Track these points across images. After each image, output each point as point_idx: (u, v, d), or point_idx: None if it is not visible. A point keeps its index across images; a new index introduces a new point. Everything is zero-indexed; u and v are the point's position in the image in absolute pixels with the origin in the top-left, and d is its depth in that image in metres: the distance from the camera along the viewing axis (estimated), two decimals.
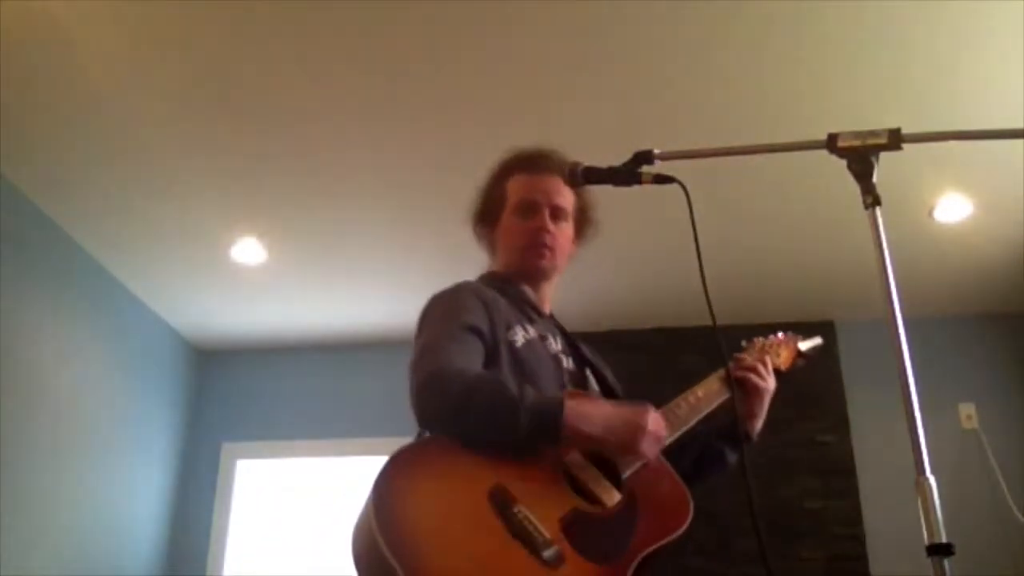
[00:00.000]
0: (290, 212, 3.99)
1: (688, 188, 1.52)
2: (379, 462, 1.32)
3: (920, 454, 1.19)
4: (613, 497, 1.44)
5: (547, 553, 1.27)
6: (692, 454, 1.72)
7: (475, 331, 1.57)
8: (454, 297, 1.67)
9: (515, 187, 1.85)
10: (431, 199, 3.75)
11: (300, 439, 4.87)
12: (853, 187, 1.37)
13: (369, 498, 1.26)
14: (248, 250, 4.22)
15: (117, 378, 4.45)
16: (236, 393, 5.07)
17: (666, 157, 1.57)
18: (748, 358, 1.83)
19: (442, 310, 1.64)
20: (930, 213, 3.85)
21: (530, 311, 1.79)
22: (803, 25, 2.97)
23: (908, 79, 3.14)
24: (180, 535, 4.73)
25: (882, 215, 1.34)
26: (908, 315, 1.29)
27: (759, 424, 1.79)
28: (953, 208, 3.82)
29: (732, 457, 1.77)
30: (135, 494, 4.51)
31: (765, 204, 3.86)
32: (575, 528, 1.34)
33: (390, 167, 3.66)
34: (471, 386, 1.42)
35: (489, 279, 1.83)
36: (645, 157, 1.57)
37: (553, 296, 1.90)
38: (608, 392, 1.78)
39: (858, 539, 4.25)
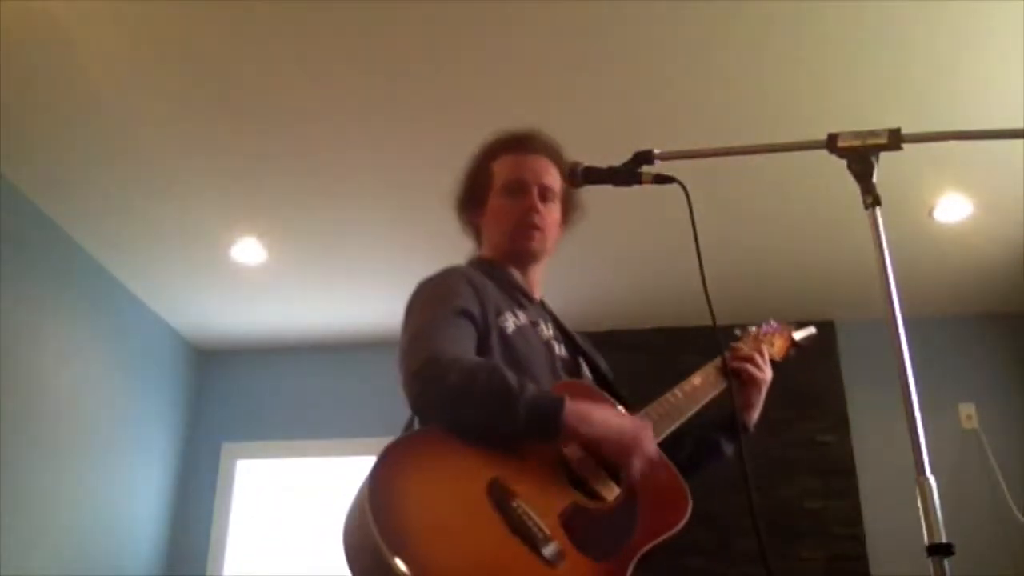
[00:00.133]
0: (290, 212, 3.99)
1: (688, 188, 1.52)
2: None
3: (920, 454, 1.19)
4: (612, 491, 1.41)
5: (547, 550, 1.24)
6: (688, 446, 1.69)
7: (467, 315, 1.54)
8: (443, 281, 1.64)
9: (501, 168, 1.81)
10: (431, 199, 3.71)
11: (300, 439, 4.87)
12: (853, 187, 1.37)
13: (363, 491, 1.22)
14: (248, 250, 4.22)
15: (117, 378, 4.45)
16: (236, 393, 5.07)
17: (666, 157, 1.57)
18: (745, 348, 1.81)
19: (432, 294, 1.60)
20: (930, 213, 3.85)
21: (520, 296, 1.74)
22: (803, 25, 2.97)
23: (908, 79, 3.14)
24: (180, 535, 4.73)
25: (882, 215, 1.34)
26: (908, 315, 1.29)
27: (756, 415, 1.77)
28: (953, 208, 3.82)
29: (729, 448, 1.75)
30: (135, 494, 4.51)
31: (765, 204, 3.86)
32: (574, 523, 1.32)
33: (390, 167, 3.66)
34: (470, 374, 1.38)
35: (476, 264, 1.79)
36: (645, 157, 1.57)
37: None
38: (601, 380, 1.75)
39: (858, 539, 4.25)
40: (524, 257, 1.79)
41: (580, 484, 1.40)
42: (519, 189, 1.77)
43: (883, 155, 1.37)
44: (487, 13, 2.94)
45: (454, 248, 1.92)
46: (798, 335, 2.01)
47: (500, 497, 1.27)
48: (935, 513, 1.16)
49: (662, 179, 1.56)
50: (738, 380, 1.75)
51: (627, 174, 1.58)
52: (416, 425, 1.51)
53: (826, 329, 4.61)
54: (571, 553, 1.27)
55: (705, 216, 1.54)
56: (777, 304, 4.44)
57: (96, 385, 4.28)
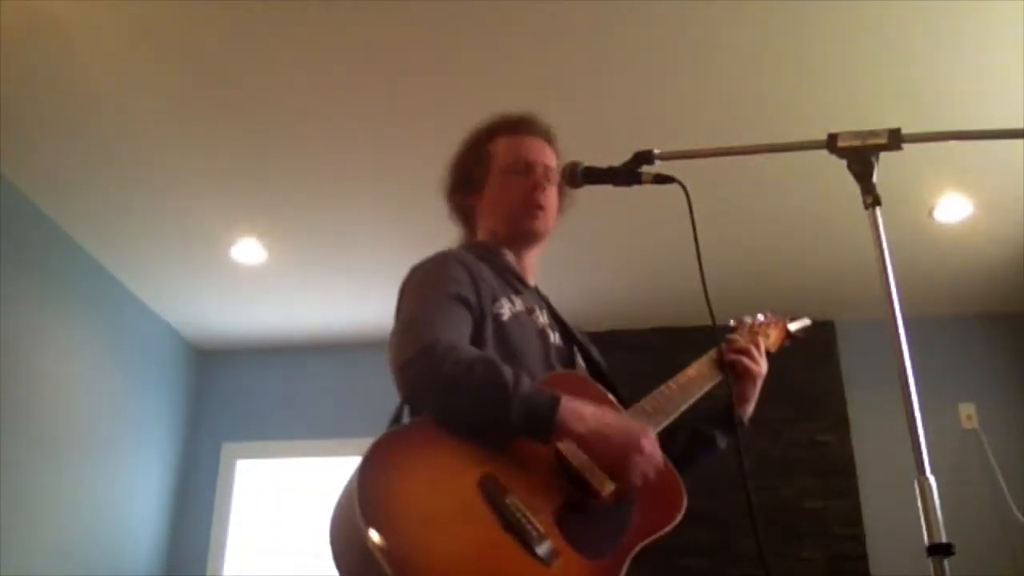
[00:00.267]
0: (290, 212, 3.99)
1: (688, 188, 1.51)
2: None
3: (920, 454, 1.19)
4: (607, 486, 1.37)
5: (541, 549, 1.21)
6: (681, 439, 1.67)
7: (462, 301, 1.51)
8: (438, 266, 1.61)
9: (503, 148, 1.79)
10: (431, 199, 3.74)
11: (300, 439, 4.87)
12: (853, 187, 1.37)
13: (352, 485, 1.18)
14: (248, 250, 4.22)
15: (117, 378, 4.45)
16: (236, 393, 5.07)
17: (666, 157, 1.57)
18: (741, 340, 1.78)
19: (427, 279, 1.58)
20: (930, 213, 3.85)
21: (515, 281, 1.72)
22: (803, 25, 2.97)
23: (908, 79, 3.14)
24: (180, 535, 4.73)
25: (882, 215, 1.34)
26: (908, 315, 1.29)
27: (751, 408, 1.75)
28: (953, 208, 3.82)
29: (723, 442, 1.72)
30: (135, 494, 4.51)
31: (765, 204, 3.86)
32: (569, 520, 1.29)
33: (390, 167, 3.66)
34: (465, 364, 1.34)
35: (470, 247, 1.75)
36: (645, 157, 1.57)
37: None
38: (595, 369, 1.73)
39: (858, 539, 4.25)
40: (526, 238, 1.76)
41: (574, 479, 1.36)
42: (524, 169, 1.75)
43: (883, 155, 1.37)
44: (487, 13, 2.94)
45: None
46: (793, 326, 2.00)
47: (493, 493, 1.24)
48: (935, 513, 1.16)
49: (662, 179, 1.56)
50: (733, 373, 1.73)
51: (627, 174, 1.58)
52: (406, 416, 1.48)
53: (826, 329, 4.62)
54: (565, 551, 1.25)
55: (705, 216, 1.54)
56: (777, 304, 4.38)
57: (96, 385, 4.28)
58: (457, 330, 1.46)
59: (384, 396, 1.53)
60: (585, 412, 1.37)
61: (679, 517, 1.42)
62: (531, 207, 1.73)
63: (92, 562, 4.10)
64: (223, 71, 3.19)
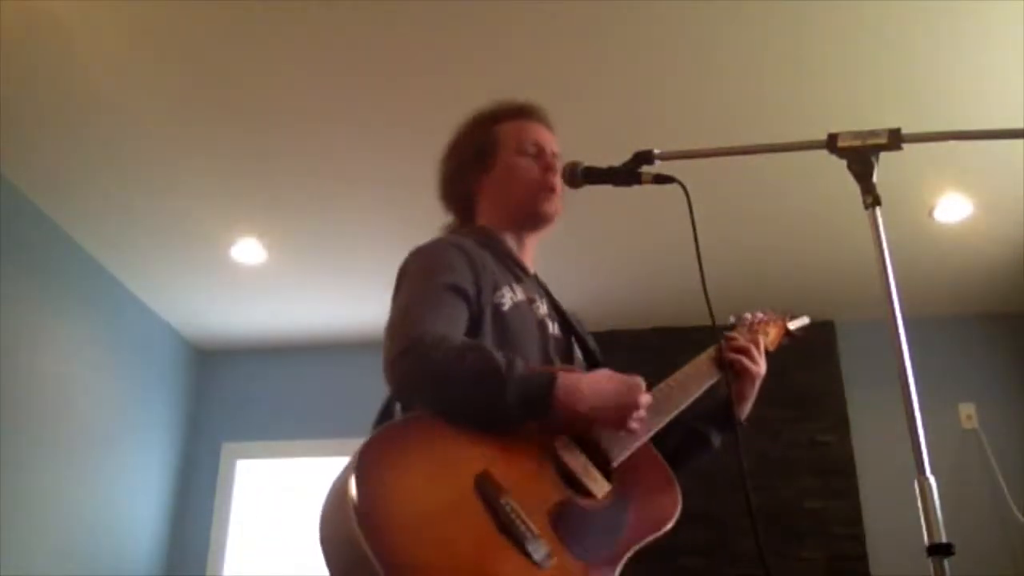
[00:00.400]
0: (290, 212, 3.99)
1: (688, 188, 1.51)
2: None
3: (920, 454, 1.19)
4: (602, 488, 1.37)
5: (536, 552, 1.20)
6: (676, 437, 1.66)
7: (459, 291, 1.48)
8: (436, 253, 1.59)
9: (511, 131, 1.77)
10: (431, 199, 3.75)
11: (300, 439, 4.87)
12: (853, 187, 1.37)
13: (344, 480, 1.16)
14: (248, 250, 4.22)
15: (117, 378, 4.45)
16: (236, 393, 5.07)
17: (666, 157, 1.57)
18: (740, 338, 1.77)
19: (424, 267, 1.55)
20: (930, 213, 3.85)
21: (516, 268, 1.69)
22: (803, 25, 2.97)
23: (908, 79, 3.14)
24: (180, 535, 4.73)
25: (882, 215, 1.34)
26: (908, 315, 1.29)
27: (748, 407, 1.74)
28: (953, 208, 3.82)
29: (718, 440, 1.71)
30: (135, 494, 4.51)
31: (765, 204, 3.86)
32: (564, 522, 1.28)
33: (390, 167, 3.66)
34: (455, 353, 1.32)
35: (470, 232, 1.73)
36: (645, 157, 1.57)
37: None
38: (591, 359, 1.72)
39: (858, 539, 4.25)
40: (536, 220, 1.74)
41: (570, 480, 1.36)
42: (536, 152, 1.74)
43: (883, 155, 1.37)
44: (487, 13, 2.94)
45: None
46: (793, 325, 1.99)
47: (488, 493, 1.23)
48: (935, 513, 1.16)
49: (662, 179, 1.56)
50: (732, 371, 1.71)
51: (627, 174, 1.58)
52: (398, 412, 1.46)
53: (826, 329, 4.62)
54: (560, 553, 1.24)
55: (705, 216, 1.54)
56: (777, 304, 4.42)
57: (96, 385, 4.28)
58: (450, 321, 1.44)
59: (383, 396, 1.53)
60: (582, 385, 1.38)
61: (675, 519, 1.42)
62: (547, 190, 1.71)
63: (92, 562, 4.10)
64: (223, 71, 3.19)
